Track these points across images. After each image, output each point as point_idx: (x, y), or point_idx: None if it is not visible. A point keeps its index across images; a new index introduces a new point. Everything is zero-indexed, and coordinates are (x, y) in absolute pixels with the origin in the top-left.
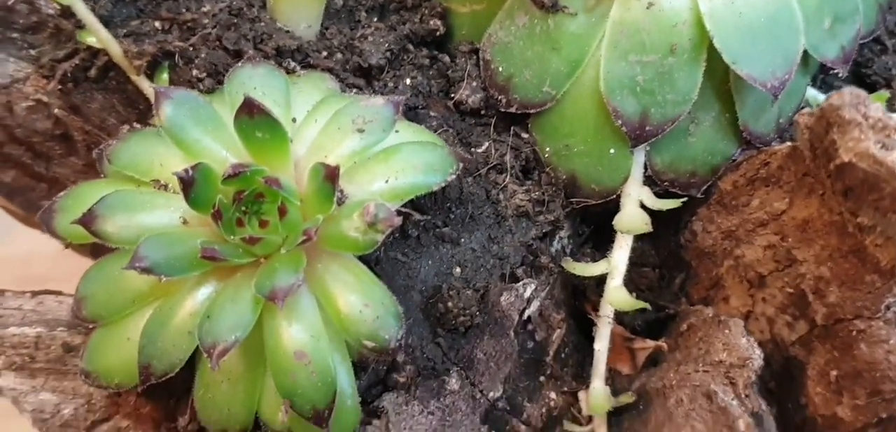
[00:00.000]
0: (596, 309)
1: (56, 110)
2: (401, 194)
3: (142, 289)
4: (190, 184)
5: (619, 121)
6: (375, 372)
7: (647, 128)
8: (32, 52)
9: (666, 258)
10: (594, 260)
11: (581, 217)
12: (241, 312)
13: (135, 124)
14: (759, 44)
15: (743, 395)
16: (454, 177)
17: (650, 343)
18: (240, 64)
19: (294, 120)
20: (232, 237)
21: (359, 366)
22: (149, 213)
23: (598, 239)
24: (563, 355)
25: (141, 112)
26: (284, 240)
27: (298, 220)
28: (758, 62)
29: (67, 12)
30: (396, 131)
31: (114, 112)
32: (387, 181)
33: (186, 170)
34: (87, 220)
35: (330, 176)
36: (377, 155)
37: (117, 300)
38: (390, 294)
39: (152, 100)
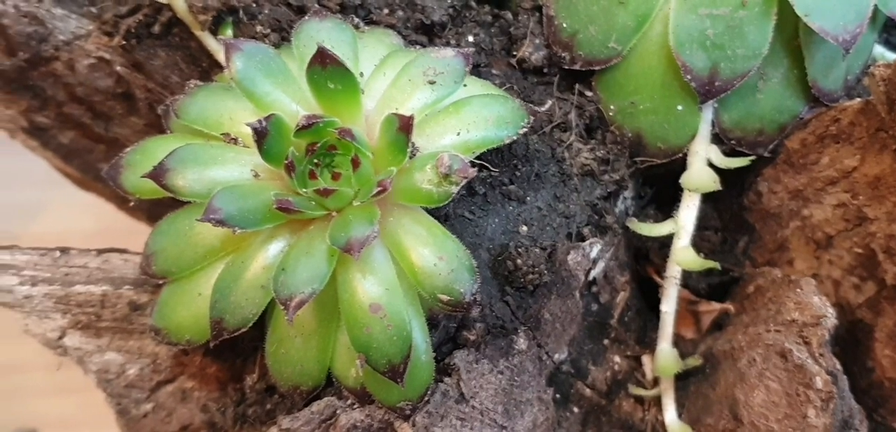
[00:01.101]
0: (659, 272)
1: (118, 67)
2: (472, 147)
3: (213, 243)
4: (263, 136)
5: (689, 77)
6: (445, 330)
7: (717, 83)
8: (93, 8)
9: (729, 221)
10: (657, 221)
11: (643, 178)
12: (317, 264)
13: (197, 81)
14: None
15: (817, 354)
16: (525, 130)
17: (716, 305)
18: (306, 17)
19: (361, 73)
20: (304, 190)
21: (429, 323)
22: (220, 167)
23: (660, 200)
24: (625, 319)
25: (203, 69)
26: (356, 193)
27: (370, 173)
28: (830, 15)
29: None
30: (464, 85)
31: (176, 69)
32: (458, 134)
33: (260, 122)
34: (157, 174)
35: (404, 127)
36: (447, 108)
37: (188, 255)
38: (464, 248)
39: (216, 56)
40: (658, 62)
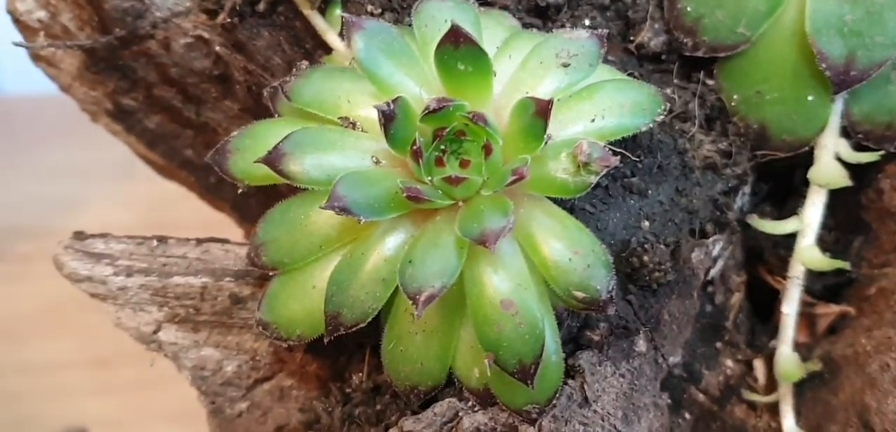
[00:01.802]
0: (771, 272)
1: (217, 48)
2: (607, 135)
3: (330, 233)
4: (390, 120)
5: (824, 65)
6: (568, 329)
7: (853, 72)
8: None
9: (843, 219)
10: (773, 218)
11: (760, 173)
12: (446, 257)
13: (302, 63)
14: None
15: None
16: (661, 118)
17: (834, 307)
18: None
19: None
20: (431, 178)
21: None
22: (339, 152)
23: (776, 197)
24: (737, 321)
25: (307, 52)
26: (485, 182)
27: (501, 161)
28: None
29: None
30: (596, 68)
31: (279, 50)
32: (592, 120)
33: (387, 105)
34: (273, 159)
35: (541, 112)
36: (581, 92)
37: (302, 245)
38: (599, 242)
39: (323, 36)
40: (789, 49)
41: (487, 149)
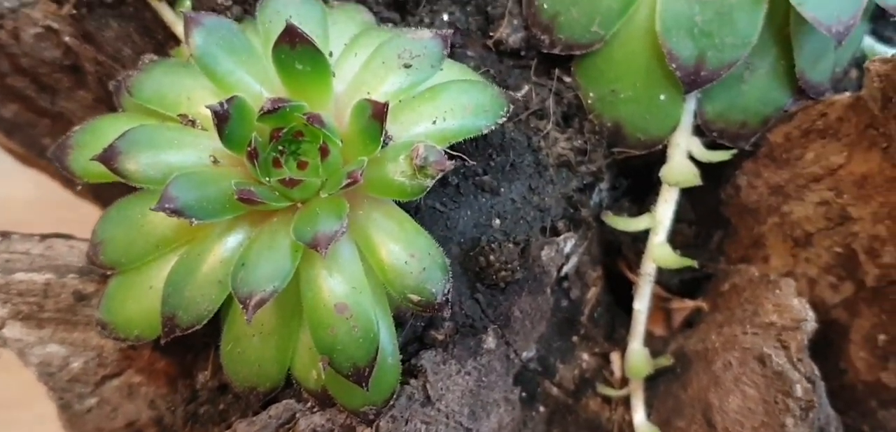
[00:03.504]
0: (630, 267)
1: (67, 38)
2: (449, 137)
3: (166, 233)
4: (224, 120)
5: (674, 65)
6: (412, 328)
7: (703, 73)
8: None
9: (703, 214)
10: (632, 214)
11: (618, 168)
12: (279, 260)
13: (152, 56)
14: None
15: (796, 359)
16: (504, 120)
17: (689, 303)
18: None
19: (331, 53)
20: (268, 179)
21: (396, 321)
22: (176, 151)
23: (635, 192)
24: (595, 315)
25: (158, 42)
26: (323, 183)
27: (339, 162)
28: (824, 5)
29: None
30: (440, 69)
31: (129, 42)
32: (434, 122)
33: (221, 105)
34: (108, 157)
35: (377, 114)
36: (423, 93)
37: (139, 245)
38: (436, 244)
39: (172, 28)
40: (642, 49)
41: (324, 151)
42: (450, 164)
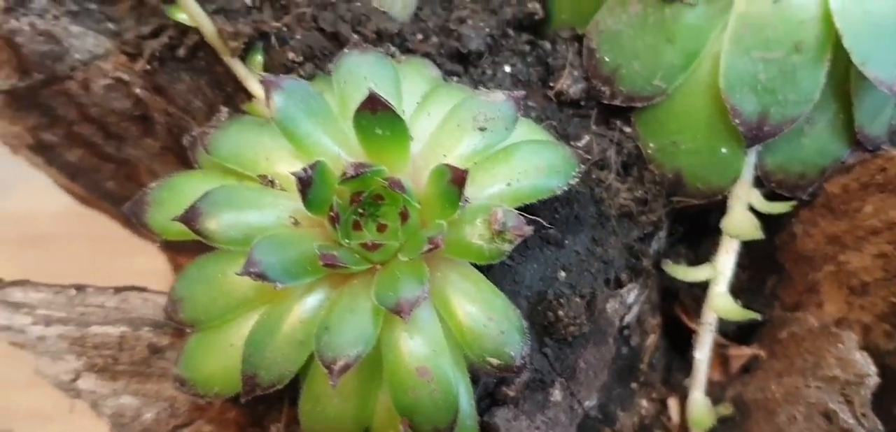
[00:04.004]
0: (687, 311)
1: (138, 90)
2: (522, 197)
3: (247, 293)
4: (308, 185)
5: (737, 120)
6: (484, 385)
7: (766, 128)
8: (111, 25)
9: (757, 259)
10: (689, 260)
11: (675, 215)
12: (362, 325)
13: (222, 107)
14: (885, 43)
15: (860, 414)
16: (576, 180)
17: (747, 350)
18: (347, 51)
19: (403, 111)
20: (348, 241)
21: (471, 379)
22: (257, 212)
23: (691, 238)
24: (653, 361)
25: (228, 95)
26: (401, 246)
27: (418, 225)
28: (884, 63)
29: None
30: (513, 131)
31: (200, 94)
32: (508, 184)
33: (305, 170)
34: (190, 218)
35: (457, 180)
36: (497, 154)
37: (220, 303)
38: (512, 306)
39: (243, 82)
40: (704, 102)
41: (405, 215)
42: (529, 230)
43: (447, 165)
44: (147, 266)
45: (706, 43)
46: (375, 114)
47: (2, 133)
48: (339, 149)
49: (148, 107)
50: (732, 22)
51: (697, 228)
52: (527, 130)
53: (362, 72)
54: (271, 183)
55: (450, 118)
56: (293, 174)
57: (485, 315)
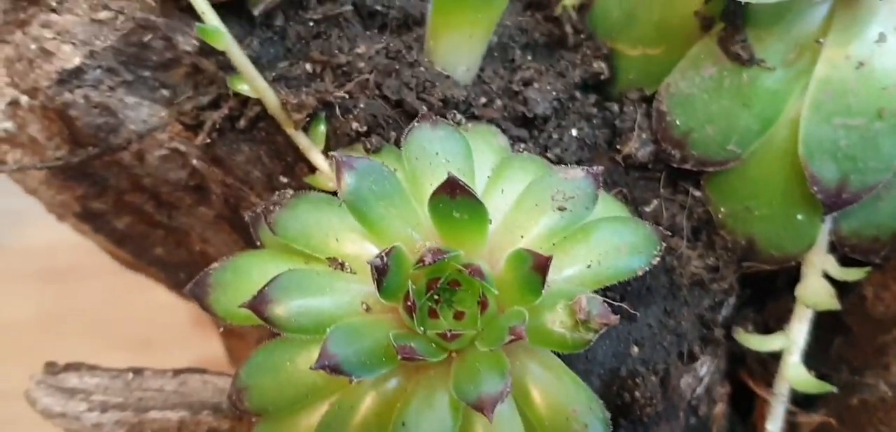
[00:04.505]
0: (754, 377)
1: (195, 161)
2: (603, 280)
3: (317, 381)
4: (383, 273)
5: (816, 188)
6: None
7: (845, 195)
8: (165, 92)
9: (823, 320)
10: (756, 324)
11: (743, 279)
12: (440, 420)
13: (281, 177)
14: None
15: None
16: (657, 260)
17: (816, 417)
18: (417, 124)
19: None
20: (424, 329)
21: None
22: (328, 298)
23: (758, 301)
24: (719, 428)
25: (288, 164)
26: (479, 333)
27: (496, 313)
28: None
29: (207, 50)
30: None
31: (259, 164)
32: (588, 265)
33: (380, 258)
34: (258, 305)
35: (539, 267)
36: (576, 234)
37: (288, 393)
38: (596, 397)
39: (304, 153)
40: (780, 168)
41: (483, 304)
42: (614, 319)
43: (528, 250)
44: (166, 300)
45: (784, 108)
46: (454, 198)
47: (48, 201)
48: (412, 231)
49: (204, 177)
50: (812, 87)
51: (763, 291)
52: (604, 205)
53: (434, 148)
54: (341, 266)
55: (526, 197)
56: (369, 262)
57: (567, 408)
